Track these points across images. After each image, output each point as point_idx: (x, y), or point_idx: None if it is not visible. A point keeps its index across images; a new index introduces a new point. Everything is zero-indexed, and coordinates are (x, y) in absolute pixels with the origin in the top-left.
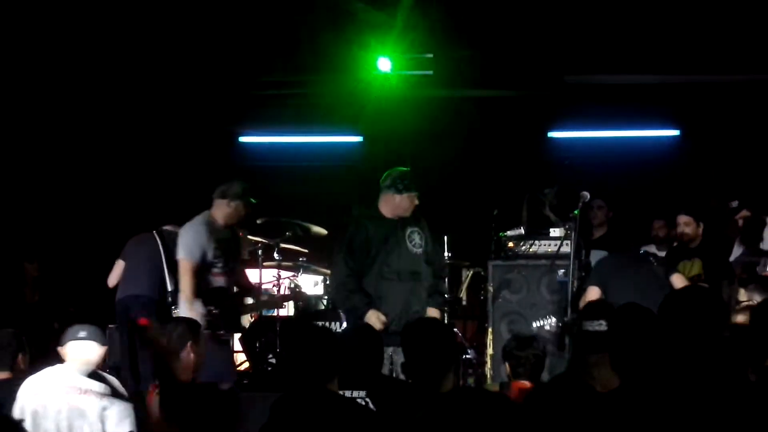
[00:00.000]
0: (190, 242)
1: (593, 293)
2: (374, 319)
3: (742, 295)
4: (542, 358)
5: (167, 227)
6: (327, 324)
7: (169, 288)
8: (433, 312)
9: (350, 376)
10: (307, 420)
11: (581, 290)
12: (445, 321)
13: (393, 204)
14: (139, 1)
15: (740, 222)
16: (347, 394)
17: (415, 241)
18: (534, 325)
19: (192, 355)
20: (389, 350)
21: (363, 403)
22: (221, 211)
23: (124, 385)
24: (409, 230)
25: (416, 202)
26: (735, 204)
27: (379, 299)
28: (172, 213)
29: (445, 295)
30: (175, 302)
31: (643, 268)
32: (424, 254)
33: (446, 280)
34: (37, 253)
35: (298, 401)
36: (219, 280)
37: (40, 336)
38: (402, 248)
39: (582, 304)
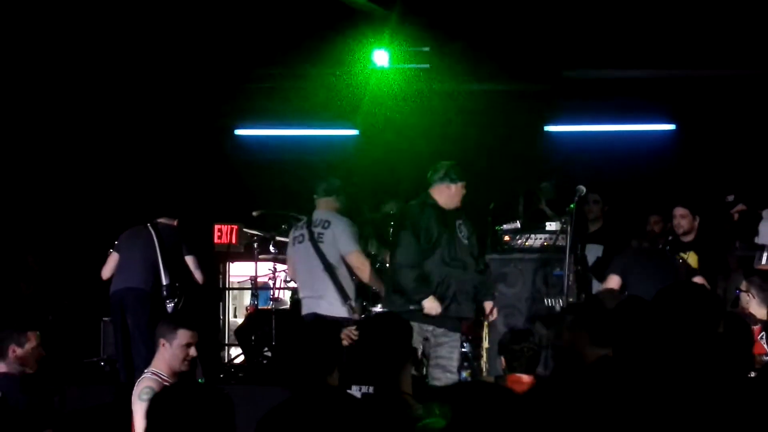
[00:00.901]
0: (355, 234)
1: (613, 282)
2: (433, 304)
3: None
4: (538, 352)
5: (161, 220)
6: None
7: (164, 281)
8: (488, 305)
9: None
10: (306, 415)
11: (581, 282)
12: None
13: (448, 194)
14: None
15: (736, 216)
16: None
17: (464, 232)
18: (546, 303)
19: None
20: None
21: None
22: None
23: (116, 378)
24: (458, 222)
25: (464, 191)
26: (731, 198)
27: (440, 285)
28: (167, 206)
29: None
30: (169, 295)
31: (665, 263)
32: (470, 246)
33: None
34: (36, 246)
35: (297, 396)
36: None
37: (34, 328)
38: (456, 238)
39: (602, 289)
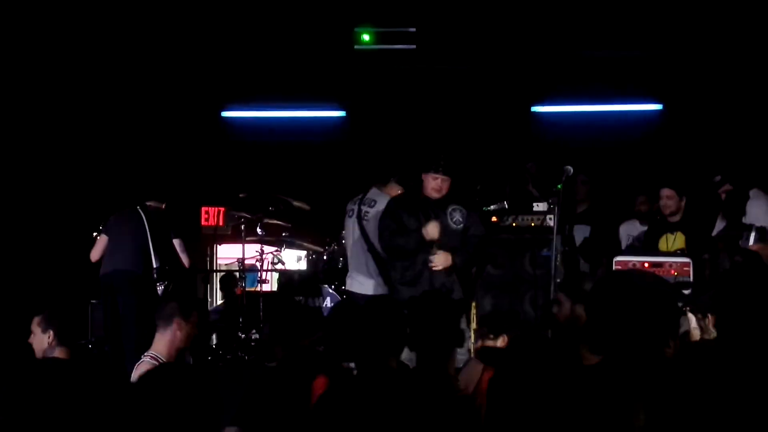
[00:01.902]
0: None
1: None
2: (432, 227)
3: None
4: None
5: (150, 203)
6: (306, 299)
7: (155, 264)
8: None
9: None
10: (366, 395)
11: (568, 263)
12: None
13: (432, 186)
14: None
15: (723, 196)
16: None
17: (456, 218)
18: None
19: (178, 332)
20: None
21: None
22: None
23: (106, 360)
24: (451, 207)
25: (448, 183)
26: (717, 178)
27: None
28: (155, 189)
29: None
30: (160, 278)
31: None
32: (461, 232)
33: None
34: (21, 229)
35: (359, 376)
36: None
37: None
38: (443, 224)
39: None
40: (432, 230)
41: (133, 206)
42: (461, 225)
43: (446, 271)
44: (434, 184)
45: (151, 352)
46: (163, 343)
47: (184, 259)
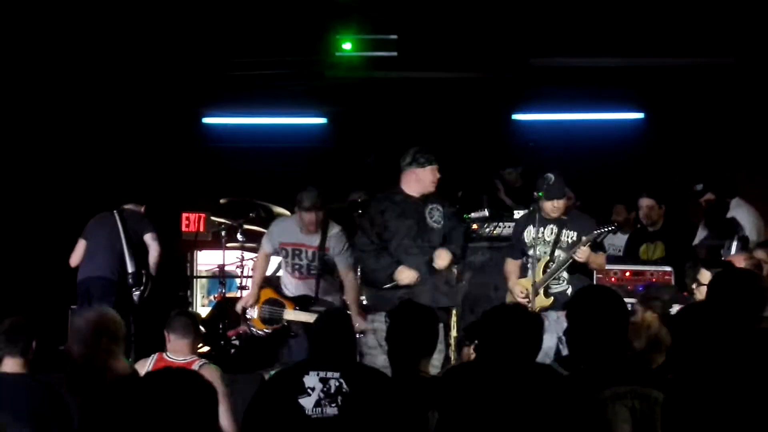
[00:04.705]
0: None
1: None
2: (406, 274)
3: (707, 278)
4: None
5: (128, 206)
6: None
7: (130, 269)
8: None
9: (325, 357)
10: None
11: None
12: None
13: (416, 179)
14: None
15: (704, 205)
16: (321, 374)
17: (435, 217)
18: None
19: None
20: None
21: (336, 384)
22: None
23: None
24: (430, 206)
25: (438, 175)
26: (699, 187)
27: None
28: (134, 192)
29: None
30: (135, 283)
31: None
32: (442, 229)
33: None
34: None
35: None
36: None
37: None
38: (423, 223)
39: None
40: (443, 261)
41: (110, 210)
42: (441, 224)
43: (447, 270)
44: (433, 177)
45: None
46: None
47: (153, 252)
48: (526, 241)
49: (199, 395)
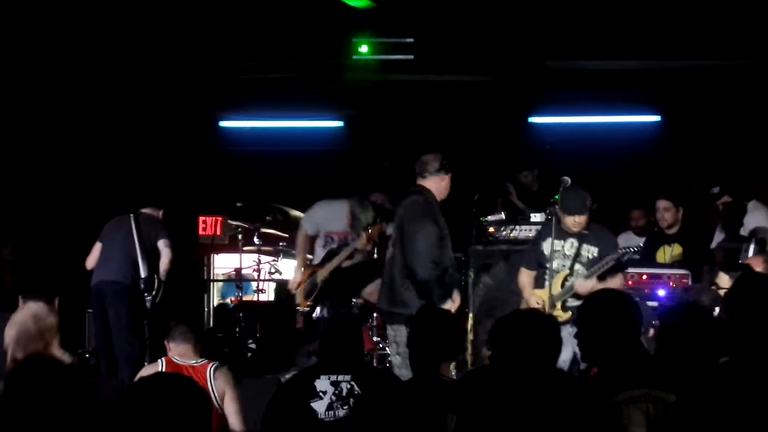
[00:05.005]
0: None
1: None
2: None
3: (725, 282)
4: None
5: (145, 210)
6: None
7: (142, 274)
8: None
9: (335, 361)
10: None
11: None
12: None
13: (441, 187)
14: None
15: (721, 208)
16: (332, 378)
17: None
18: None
19: None
20: None
21: (348, 386)
22: None
23: (98, 371)
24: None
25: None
26: (716, 190)
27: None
28: (152, 196)
29: None
30: (147, 289)
31: None
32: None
33: None
34: (12, 236)
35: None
36: None
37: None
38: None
39: None
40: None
41: (126, 214)
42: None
43: None
44: (449, 185)
45: None
46: None
47: (164, 258)
48: (546, 252)
49: (190, 401)
